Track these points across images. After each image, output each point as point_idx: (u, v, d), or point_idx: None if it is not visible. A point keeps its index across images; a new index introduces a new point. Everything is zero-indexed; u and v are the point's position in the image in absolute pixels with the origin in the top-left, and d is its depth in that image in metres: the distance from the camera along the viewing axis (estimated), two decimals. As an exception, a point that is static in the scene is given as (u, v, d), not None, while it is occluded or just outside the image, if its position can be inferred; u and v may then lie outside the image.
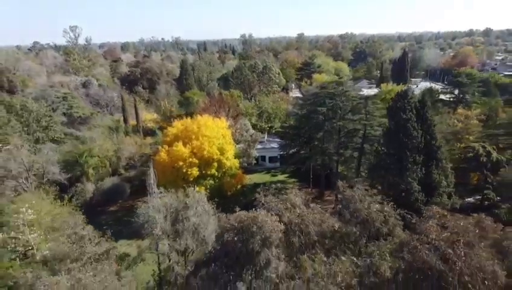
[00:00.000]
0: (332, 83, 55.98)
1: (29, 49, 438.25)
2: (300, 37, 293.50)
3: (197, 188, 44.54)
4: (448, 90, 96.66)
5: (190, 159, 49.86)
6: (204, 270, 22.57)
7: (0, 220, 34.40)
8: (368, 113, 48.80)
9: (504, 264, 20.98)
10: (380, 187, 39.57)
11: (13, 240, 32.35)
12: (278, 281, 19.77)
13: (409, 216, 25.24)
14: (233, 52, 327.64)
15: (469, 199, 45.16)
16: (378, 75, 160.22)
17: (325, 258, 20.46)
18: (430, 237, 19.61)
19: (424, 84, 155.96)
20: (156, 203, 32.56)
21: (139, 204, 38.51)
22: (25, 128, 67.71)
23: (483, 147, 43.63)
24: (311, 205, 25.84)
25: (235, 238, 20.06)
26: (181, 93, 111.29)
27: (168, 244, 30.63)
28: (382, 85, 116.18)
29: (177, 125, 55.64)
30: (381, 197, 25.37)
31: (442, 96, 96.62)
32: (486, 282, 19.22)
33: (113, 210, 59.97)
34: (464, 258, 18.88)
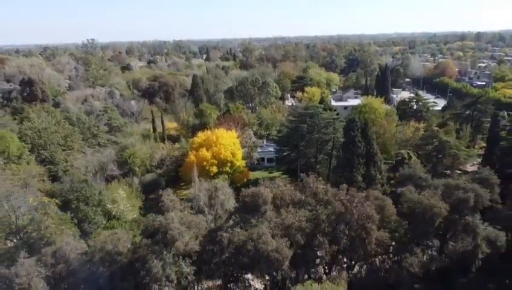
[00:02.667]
0: (313, 106, 77.59)
1: (40, 54, 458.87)
2: (297, 46, 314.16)
3: (216, 180, 66.50)
4: (415, 100, 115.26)
5: (211, 160, 71.52)
6: (230, 219, 44.17)
7: (101, 198, 56.06)
8: (334, 129, 70.45)
9: (380, 214, 42.74)
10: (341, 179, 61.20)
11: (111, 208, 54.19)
12: (269, 220, 41.23)
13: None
14: (234, 58, 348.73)
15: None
16: (367, 84, 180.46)
17: (292, 211, 41.99)
18: (342, 199, 41.30)
19: (404, 94, 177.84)
20: (198, 186, 54.20)
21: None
22: (81, 136, 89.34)
23: (408, 153, 65.09)
24: (287, 186, 47.41)
25: (248, 200, 41.52)
26: (194, 103, 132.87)
27: (206, 211, 52.12)
28: (363, 98, 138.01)
29: (201, 136, 77.37)
30: (325, 182, 46.80)
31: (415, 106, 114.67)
32: (368, 220, 40.89)
33: (152, 197, 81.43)
34: (356, 208, 40.58)
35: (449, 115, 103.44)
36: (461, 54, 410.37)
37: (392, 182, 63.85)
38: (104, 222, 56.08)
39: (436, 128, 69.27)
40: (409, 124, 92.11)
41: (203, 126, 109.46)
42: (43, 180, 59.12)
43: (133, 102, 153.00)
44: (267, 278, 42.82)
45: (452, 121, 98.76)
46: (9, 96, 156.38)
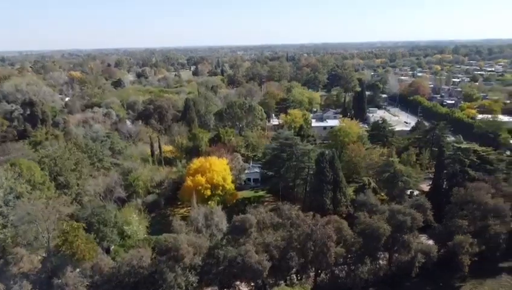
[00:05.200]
0: (291, 137, 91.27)
1: (30, 67, 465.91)
2: (281, 63, 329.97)
3: (210, 203, 79.65)
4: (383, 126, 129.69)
5: (205, 185, 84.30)
6: (224, 239, 57.19)
7: (116, 220, 68.45)
8: (309, 158, 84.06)
9: (340, 235, 56.27)
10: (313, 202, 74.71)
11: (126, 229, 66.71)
12: (254, 239, 54.42)
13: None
14: (222, 73, 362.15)
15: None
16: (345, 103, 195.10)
17: (271, 232, 55.28)
18: (309, 223, 54.71)
19: (379, 113, 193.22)
20: (197, 210, 67.08)
21: (170, 212, 73.97)
22: (89, 160, 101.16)
23: (368, 179, 79.05)
24: (268, 212, 60.70)
25: (238, 224, 54.60)
26: (186, 123, 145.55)
27: (204, 231, 64.95)
28: (340, 120, 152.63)
29: (196, 163, 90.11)
30: (301, 203, 60.18)
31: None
32: (329, 239, 54.28)
33: (153, 216, 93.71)
34: (320, 230, 53.96)
35: (413, 139, 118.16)
36: (439, 67, 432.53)
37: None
38: (119, 240, 68.42)
39: (391, 159, 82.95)
40: (376, 148, 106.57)
41: (196, 149, 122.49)
42: (68, 206, 71.04)
43: (129, 123, 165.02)
44: (252, 284, 55.71)
45: (415, 144, 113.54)
46: (11, 117, 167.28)
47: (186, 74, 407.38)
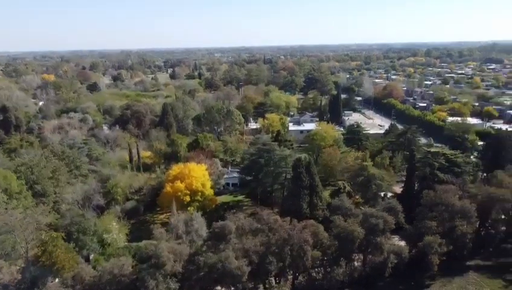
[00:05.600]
0: (269, 143, 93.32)
1: (1, 70, 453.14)
2: (259, 66, 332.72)
3: (190, 209, 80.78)
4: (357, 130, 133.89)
5: (185, 191, 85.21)
6: (204, 245, 58.52)
7: (96, 228, 68.74)
8: (286, 164, 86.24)
9: (316, 238, 58.46)
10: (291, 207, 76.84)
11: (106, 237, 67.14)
12: (233, 245, 56.01)
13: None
14: (200, 76, 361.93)
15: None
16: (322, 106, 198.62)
17: (250, 238, 56.99)
18: (286, 228, 56.71)
19: (354, 116, 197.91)
20: (177, 217, 68.06)
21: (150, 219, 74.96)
22: (66, 168, 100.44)
23: (343, 183, 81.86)
24: (247, 218, 62.38)
25: (218, 230, 56.07)
26: (164, 128, 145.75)
27: (184, 237, 65.99)
28: (316, 123, 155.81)
29: (176, 169, 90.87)
30: (277, 212, 62.06)
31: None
32: (305, 243, 56.37)
33: (133, 222, 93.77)
34: (297, 234, 55.99)
35: (386, 142, 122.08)
36: (412, 70, 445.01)
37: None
38: (99, 248, 68.75)
39: (365, 163, 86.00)
40: (351, 152, 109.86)
41: (175, 154, 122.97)
42: (46, 215, 70.79)
43: (106, 129, 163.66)
44: (232, 288, 57.22)
45: (388, 148, 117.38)
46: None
47: (163, 77, 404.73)
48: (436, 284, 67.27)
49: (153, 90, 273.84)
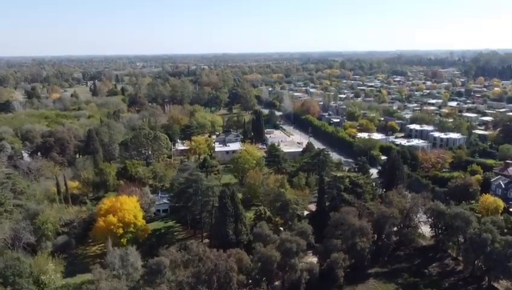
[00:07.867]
0: (196, 173, 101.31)
1: None
2: (184, 82, 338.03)
3: (123, 240, 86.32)
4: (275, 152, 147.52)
5: (117, 224, 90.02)
6: (141, 280, 65.03)
7: (31, 270, 71.50)
8: (213, 193, 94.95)
9: (241, 264, 67.81)
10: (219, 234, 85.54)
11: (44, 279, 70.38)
12: (168, 278, 63.22)
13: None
14: (123, 92, 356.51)
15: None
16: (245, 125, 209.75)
17: (182, 270, 64.68)
18: (212, 258, 65.43)
19: (276, 133, 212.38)
20: (112, 253, 73.36)
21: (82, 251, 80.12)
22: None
23: (264, 209, 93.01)
24: (180, 251, 70.03)
25: (154, 266, 63.00)
26: (90, 155, 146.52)
27: (121, 272, 71.56)
28: (241, 143, 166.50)
29: (107, 203, 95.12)
30: (206, 235, 70.61)
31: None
32: (231, 270, 65.32)
33: (65, 257, 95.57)
34: (223, 263, 64.85)
35: (302, 163, 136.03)
36: (328, 82, 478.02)
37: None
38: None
39: (282, 190, 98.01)
40: (272, 174, 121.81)
41: (104, 183, 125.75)
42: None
43: (26, 156, 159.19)
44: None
45: (304, 168, 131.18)
46: None
47: (83, 92, 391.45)
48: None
49: (74, 109, 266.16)
